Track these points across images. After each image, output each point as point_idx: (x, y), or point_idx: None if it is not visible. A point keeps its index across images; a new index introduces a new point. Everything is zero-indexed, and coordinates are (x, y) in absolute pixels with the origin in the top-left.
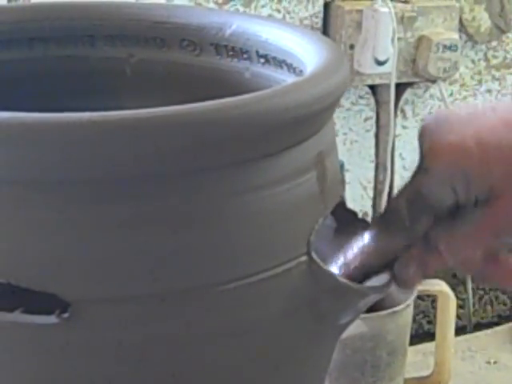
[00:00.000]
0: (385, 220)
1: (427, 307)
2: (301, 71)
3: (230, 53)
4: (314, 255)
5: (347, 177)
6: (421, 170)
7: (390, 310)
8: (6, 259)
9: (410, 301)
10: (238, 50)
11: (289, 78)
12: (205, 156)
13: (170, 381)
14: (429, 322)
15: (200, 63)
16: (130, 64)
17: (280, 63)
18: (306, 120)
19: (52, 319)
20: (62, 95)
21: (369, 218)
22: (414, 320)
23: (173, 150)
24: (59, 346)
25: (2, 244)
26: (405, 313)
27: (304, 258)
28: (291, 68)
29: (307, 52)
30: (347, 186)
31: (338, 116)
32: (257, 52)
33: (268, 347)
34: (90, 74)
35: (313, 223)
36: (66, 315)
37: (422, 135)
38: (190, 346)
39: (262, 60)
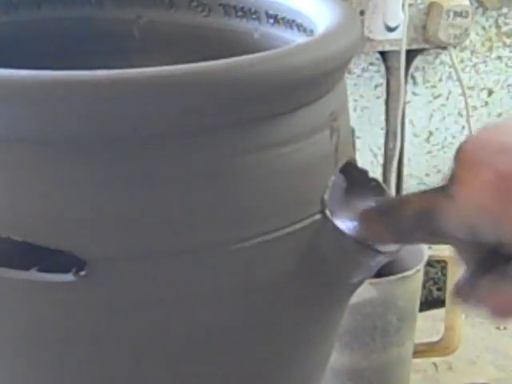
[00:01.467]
0: (384, 213)
1: (437, 274)
2: (311, 31)
3: (239, 13)
4: (328, 213)
5: (358, 143)
6: (445, 192)
7: (400, 275)
8: (23, 218)
9: (420, 266)
10: (247, 10)
11: (299, 39)
12: (219, 114)
13: (184, 341)
14: (439, 289)
15: (209, 24)
16: (139, 26)
17: (290, 23)
18: (319, 79)
19: (69, 277)
20: (69, 57)
21: None
22: (424, 287)
23: (191, 107)
24: (75, 305)
25: (19, 202)
26: (415, 278)
27: (318, 217)
28: (301, 28)
29: (318, 12)
30: (357, 153)
31: (348, 83)
32: (266, 12)
33: (281, 307)
34: (98, 35)
35: (326, 181)
36: (82, 273)
37: (458, 156)
38: (204, 305)
39: (272, 20)
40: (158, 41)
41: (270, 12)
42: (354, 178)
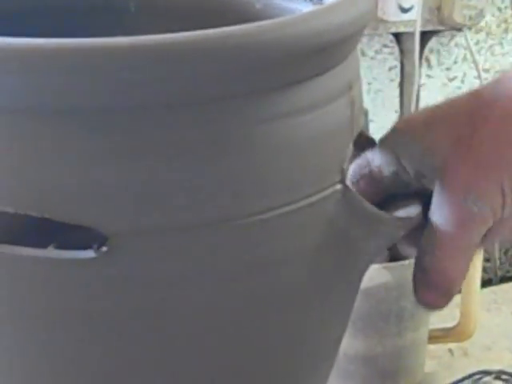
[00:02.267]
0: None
1: None
2: (319, 0)
3: None
4: (348, 183)
5: (371, 127)
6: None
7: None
8: (39, 192)
9: None
10: None
11: (304, 8)
12: (234, 82)
13: (203, 316)
14: None
15: None
16: None
17: None
18: (336, 45)
19: (90, 253)
20: (62, 33)
21: None
22: None
23: (204, 75)
24: (97, 282)
25: (34, 176)
26: None
27: (338, 187)
28: None
29: None
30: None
31: (361, 65)
32: None
33: (300, 278)
34: (91, 11)
35: (345, 150)
36: (104, 249)
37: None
38: (223, 279)
39: None
40: (156, 15)
41: None
42: (365, 149)
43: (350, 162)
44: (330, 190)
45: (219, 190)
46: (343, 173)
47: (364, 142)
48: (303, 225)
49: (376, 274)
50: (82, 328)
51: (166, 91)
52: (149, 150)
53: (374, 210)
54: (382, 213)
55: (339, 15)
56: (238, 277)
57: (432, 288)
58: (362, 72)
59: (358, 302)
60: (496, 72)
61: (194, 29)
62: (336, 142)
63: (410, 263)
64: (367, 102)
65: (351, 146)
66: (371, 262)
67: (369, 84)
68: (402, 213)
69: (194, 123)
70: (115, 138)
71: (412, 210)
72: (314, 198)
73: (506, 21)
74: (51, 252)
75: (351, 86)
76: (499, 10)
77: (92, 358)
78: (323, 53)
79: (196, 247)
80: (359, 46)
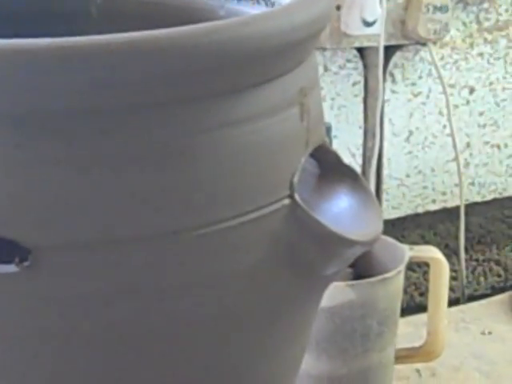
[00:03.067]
0: None
1: (419, 279)
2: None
3: None
4: (297, 198)
5: (335, 143)
6: None
7: (380, 277)
8: None
9: (402, 267)
10: None
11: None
12: (171, 89)
13: (138, 337)
14: (421, 295)
15: (173, 2)
16: (96, 3)
17: None
18: (285, 50)
19: (11, 268)
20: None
21: None
22: (406, 292)
23: (147, 79)
24: (19, 298)
25: None
26: (396, 279)
27: (287, 201)
28: (269, 3)
29: None
30: None
31: (324, 80)
32: None
33: (246, 300)
34: (52, 16)
35: (296, 163)
36: (27, 263)
37: None
38: (162, 297)
39: None
40: (118, 20)
41: None
42: (327, 163)
43: (310, 177)
44: (278, 205)
45: (155, 203)
46: (292, 186)
47: (326, 156)
48: (248, 241)
49: (339, 293)
50: (8, 346)
51: (104, 96)
52: (75, 159)
53: (328, 227)
54: (338, 230)
55: (293, 17)
56: (171, 298)
57: None
58: (325, 87)
59: (322, 322)
60: (461, 87)
61: None
62: (286, 154)
63: (375, 281)
64: (331, 118)
65: (303, 159)
66: (330, 282)
67: (332, 99)
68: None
69: (136, 130)
70: (44, 145)
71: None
72: (260, 213)
73: (471, 35)
74: None
75: (305, 94)
76: (464, 24)
77: (40, 373)
78: (271, 58)
79: (127, 263)
80: (322, 61)
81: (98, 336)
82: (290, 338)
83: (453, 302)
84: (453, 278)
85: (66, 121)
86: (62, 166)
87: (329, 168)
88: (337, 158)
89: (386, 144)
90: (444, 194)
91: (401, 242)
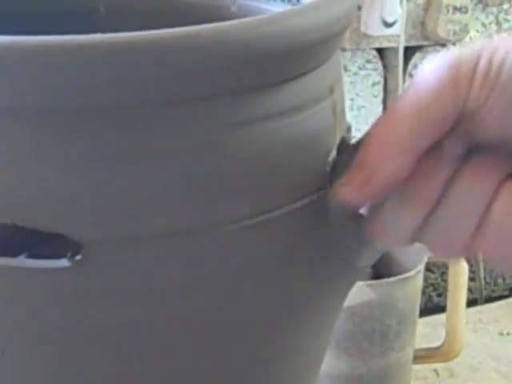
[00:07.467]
0: None
1: (437, 280)
2: (297, 0)
3: None
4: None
5: None
6: None
7: (399, 277)
8: (11, 198)
9: (421, 267)
10: None
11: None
12: (209, 84)
13: (183, 326)
14: (438, 296)
15: None
16: (105, 1)
17: None
18: (318, 45)
19: (63, 263)
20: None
21: None
22: (424, 293)
23: (176, 75)
24: (70, 293)
25: (6, 182)
26: (415, 279)
27: (322, 193)
28: None
29: None
30: None
31: (344, 81)
32: None
33: (280, 292)
34: (61, 13)
35: (328, 155)
36: (78, 257)
37: None
38: (203, 288)
39: None
40: (128, 17)
41: None
42: (345, 157)
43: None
44: (313, 197)
45: (193, 197)
46: (327, 178)
47: (344, 149)
48: (285, 233)
49: (359, 292)
50: (58, 341)
51: (131, 92)
52: (123, 156)
53: (361, 217)
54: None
55: (320, 14)
56: (217, 286)
57: (350, 177)
58: (345, 88)
59: (341, 321)
60: None
61: None
62: (320, 147)
63: (395, 280)
64: (350, 118)
65: (334, 152)
66: (358, 275)
67: (352, 100)
68: None
69: (166, 127)
70: (89, 142)
71: None
72: (296, 205)
73: (490, 36)
74: (23, 261)
75: (333, 89)
76: (483, 25)
77: (71, 371)
78: (303, 53)
79: (174, 256)
80: (342, 62)
81: (141, 331)
82: (313, 335)
83: (471, 303)
84: (471, 279)
85: (111, 117)
86: (113, 160)
87: (346, 161)
88: (356, 151)
89: None
90: None
91: None
